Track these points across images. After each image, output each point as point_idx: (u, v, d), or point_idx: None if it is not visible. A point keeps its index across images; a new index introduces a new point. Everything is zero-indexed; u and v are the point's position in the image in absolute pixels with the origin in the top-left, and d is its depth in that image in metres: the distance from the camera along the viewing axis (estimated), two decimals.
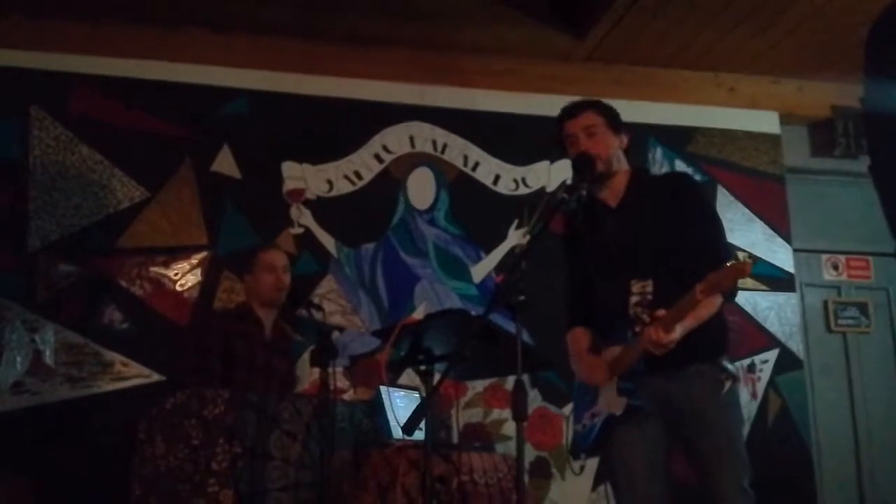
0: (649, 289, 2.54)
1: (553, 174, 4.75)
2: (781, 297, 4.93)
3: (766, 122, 5.13)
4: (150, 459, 3.13)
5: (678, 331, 2.35)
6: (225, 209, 4.40)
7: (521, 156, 4.78)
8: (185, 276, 4.30)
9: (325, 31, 4.56)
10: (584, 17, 4.55)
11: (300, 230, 4.48)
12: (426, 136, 4.73)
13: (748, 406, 4.64)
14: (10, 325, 4.01)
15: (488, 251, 4.67)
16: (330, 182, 4.57)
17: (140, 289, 4.23)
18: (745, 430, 4.27)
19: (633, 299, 2.55)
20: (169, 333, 4.18)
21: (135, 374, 4.11)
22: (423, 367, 2.73)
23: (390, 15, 4.47)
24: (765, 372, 4.80)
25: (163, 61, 4.44)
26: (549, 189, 4.73)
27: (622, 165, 2.70)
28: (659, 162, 4.94)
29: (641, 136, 4.77)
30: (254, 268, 3.88)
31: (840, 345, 5.17)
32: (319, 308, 3.49)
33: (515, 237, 4.63)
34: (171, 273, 4.28)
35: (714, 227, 2.65)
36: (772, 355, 4.83)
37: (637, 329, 2.49)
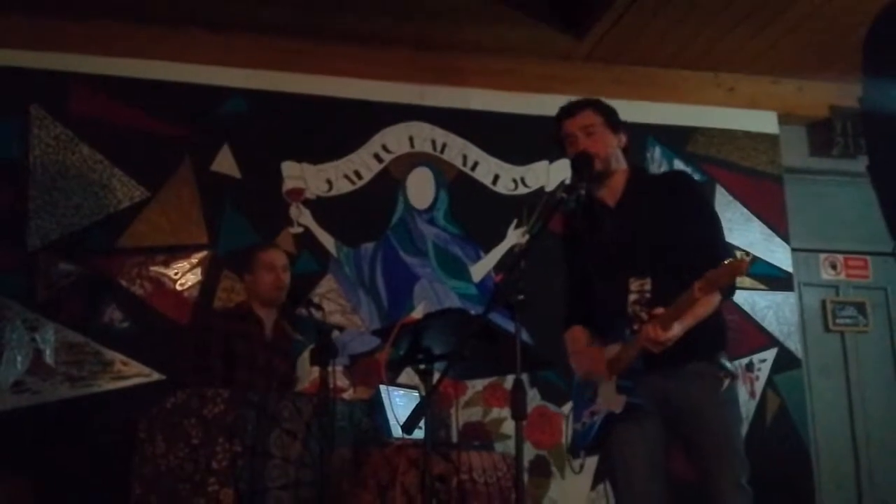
0: (648, 287, 2.54)
1: (552, 174, 4.76)
2: (780, 297, 4.94)
3: (764, 121, 5.13)
4: (151, 458, 3.14)
5: (676, 329, 2.36)
6: (225, 208, 4.41)
7: (520, 155, 4.79)
8: (185, 275, 4.30)
9: (326, 31, 4.56)
10: (584, 16, 4.55)
11: (300, 229, 4.48)
12: (426, 135, 4.74)
13: (746, 405, 4.64)
14: (11, 324, 4.02)
15: (487, 250, 4.68)
16: (329, 181, 4.58)
17: (140, 288, 4.24)
18: (744, 429, 4.27)
19: (632, 298, 2.56)
20: (169, 333, 4.18)
21: (135, 373, 4.12)
22: (422, 366, 2.74)
23: (390, 15, 4.48)
24: (763, 371, 4.81)
25: (163, 61, 4.44)
26: (548, 189, 4.73)
27: (620, 164, 2.71)
28: (658, 161, 4.95)
29: (640, 136, 4.78)
30: (253, 267, 3.89)
31: (838, 344, 5.17)
32: (319, 307, 3.50)
33: (514, 236, 4.63)
34: (171, 272, 4.29)
35: (712, 224, 2.65)
36: (770, 354, 4.84)
37: (635, 327, 2.50)
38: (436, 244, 4.64)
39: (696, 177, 4.65)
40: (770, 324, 4.88)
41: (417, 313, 4.33)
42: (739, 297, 4.66)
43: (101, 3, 4.26)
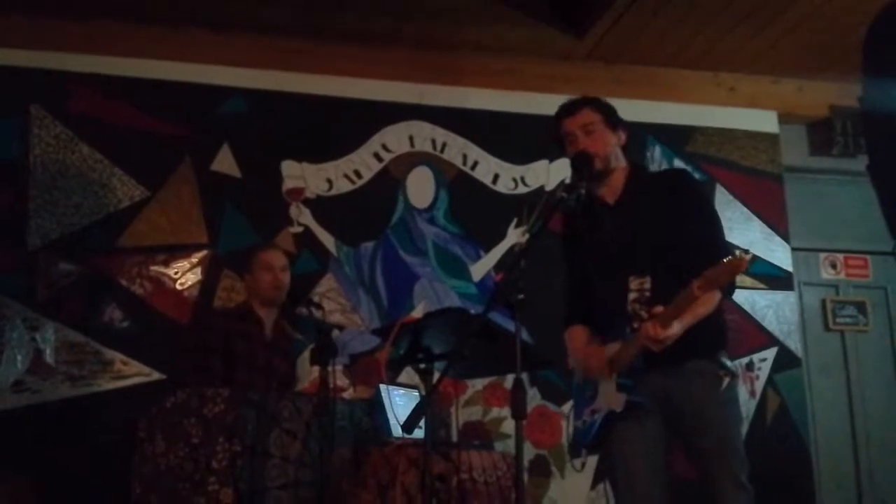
0: (647, 285, 2.54)
1: (552, 173, 4.76)
2: (779, 296, 4.94)
3: (764, 121, 5.13)
4: (151, 458, 3.14)
5: (676, 327, 2.36)
6: (225, 208, 4.41)
7: (519, 155, 4.79)
8: (185, 274, 4.30)
9: (326, 31, 4.56)
10: (584, 16, 4.55)
11: (300, 229, 4.48)
12: (426, 135, 4.74)
13: (747, 404, 4.64)
14: (11, 323, 4.02)
15: (487, 250, 4.68)
16: (329, 181, 4.58)
17: (140, 287, 4.24)
18: (744, 428, 4.27)
19: (632, 296, 2.56)
20: (169, 332, 4.18)
21: (135, 372, 4.12)
22: (422, 366, 2.75)
23: (390, 15, 4.48)
24: (763, 370, 4.81)
25: (163, 60, 4.44)
26: (548, 188, 4.73)
27: (620, 162, 2.70)
28: (658, 161, 4.94)
29: (640, 136, 4.77)
30: (253, 267, 3.90)
31: (838, 343, 5.17)
32: (319, 307, 3.50)
33: (514, 236, 4.64)
34: (171, 272, 4.29)
35: (712, 223, 2.66)
36: (770, 354, 4.84)
37: (635, 326, 2.50)
38: (436, 243, 4.65)
39: (697, 176, 4.65)
40: (770, 323, 4.88)
41: (417, 313, 4.33)
42: (739, 296, 4.66)
43: (101, 3, 4.26)
